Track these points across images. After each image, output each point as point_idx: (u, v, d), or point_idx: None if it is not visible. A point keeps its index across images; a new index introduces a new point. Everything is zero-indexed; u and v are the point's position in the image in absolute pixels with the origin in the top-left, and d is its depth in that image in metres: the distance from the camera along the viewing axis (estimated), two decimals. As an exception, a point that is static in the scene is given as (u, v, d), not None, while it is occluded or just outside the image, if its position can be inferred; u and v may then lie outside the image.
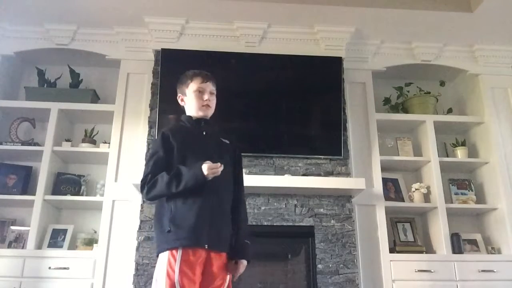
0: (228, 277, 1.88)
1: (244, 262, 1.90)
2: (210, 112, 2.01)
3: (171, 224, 1.80)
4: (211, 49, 3.44)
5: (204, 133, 1.97)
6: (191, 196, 1.83)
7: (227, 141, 2.03)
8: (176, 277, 1.71)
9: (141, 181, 1.89)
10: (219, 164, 1.79)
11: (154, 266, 2.82)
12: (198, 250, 1.78)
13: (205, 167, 1.78)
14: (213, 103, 2.01)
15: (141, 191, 1.90)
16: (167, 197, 1.85)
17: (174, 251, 1.76)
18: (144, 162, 3.15)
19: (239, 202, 1.99)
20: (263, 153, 3.27)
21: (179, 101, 2.06)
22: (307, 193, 3.16)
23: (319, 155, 3.31)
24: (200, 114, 1.98)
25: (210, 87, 2.00)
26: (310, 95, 3.44)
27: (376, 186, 3.35)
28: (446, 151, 3.80)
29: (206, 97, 1.98)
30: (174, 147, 1.90)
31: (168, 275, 1.73)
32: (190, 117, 2.02)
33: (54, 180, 3.34)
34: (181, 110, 2.10)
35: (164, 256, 1.77)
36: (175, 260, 1.74)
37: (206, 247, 1.79)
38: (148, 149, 3.19)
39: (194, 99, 1.98)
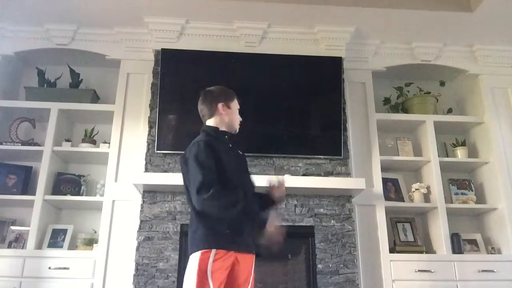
0: (252, 275, 1.95)
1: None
2: None
3: (228, 227, 1.87)
4: (211, 49, 3.44)
5: (230, 145, 2.09)
6: (245, 206, 1.92)
7: (240, 153, 2.15)
8: (209, 274, 1.77)
9: (201, 185, 1.83)
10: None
11: (154, 266, 2.88)
12: (231, 254, 1.85)
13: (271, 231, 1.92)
14: None
15: (199, 194, 1.82)
16: None
17: (213, 251, 1.81)
18: (144, 162, 3.17)
19: None
20: (263, 153, 3.26)
21: (219, 108, 2.06)
22: (307, 193, 3.16)
23: (319, 155, 3.31)
24: (235, 128, 2.12)
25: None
26: (310, 95, 3.44)
27: (376, 186, 3.35)
28: (446, 151, 3.80)
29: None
30: (222, 159, 1.94)
31: (208, 272, 1.79)
32: (217, 128, 2.07)
33: (54, 180, 3.34)
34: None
35: (206, 254, 1.81)
36: (217, 260, 1.80)
37: (254, 253, 1.94)
38: (148, 149, 3.20)
39: (237, 115, 2.13)
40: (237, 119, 2.13)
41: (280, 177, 2.10)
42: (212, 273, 1.78)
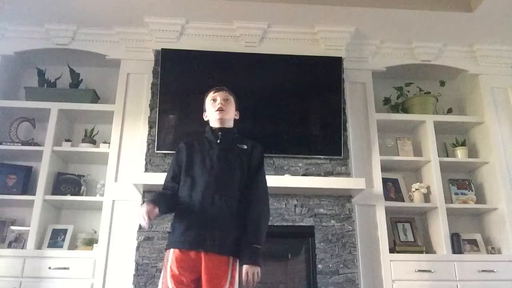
0: (228, 280, 1.85)
1: (246, 267, 1.84)
2: (226, 115, 2.09)
3: (172, 226, 1.97)
4: (211, 49, 3.44)
5: (218, 142, 2.05)
6: (190, 201, 1.93)
7: (245, 146, 2.08)
8: (168, 274, 1.85)
9: None
10: (145, 215, 1.80)
11: (154, 266, 2.89)
12: (192, 252, 1.85)
13: (140, 214, 1.83)
14: (228, 107, 2.11)
15: None
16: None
17: (170, 251, 1.90)
18: (144, 162, 3.18)
19: (250, 204, 1.97)
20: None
21: (204, 118, 2.18)
22: (307, 193, 3.16)
23: (319, 155, 3.31)
24: (216, 117, 2.08)
25: (223, 95, 2.12)
26: (310, 95, 3.44)
27: (376, 186, 3.35)
28: (446, 151, 3.80)
29: (218, 101, 2.09)
30: (184, 158, 2.05)
31: (165, 270, 1.89)
32: (210, 127, 2.12)
33: (54, 180, 3.34)
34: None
35: (165, 254, 1.93)
36: (169, 259, 1.88)
37: (202, 250, 1.84)
38: (148, 149, 3.21)
39: (210, 107, 2.11)
40: (211, 113, 2.10)
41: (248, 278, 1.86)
42: (167, 271, 1.86)
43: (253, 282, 1.83)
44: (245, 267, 1.85)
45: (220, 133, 2.07)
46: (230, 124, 2.12)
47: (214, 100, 2.11)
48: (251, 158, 2.06)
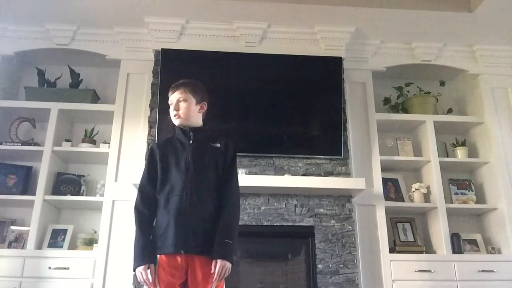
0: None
1: (218, 262, 1.80)
2: (185, 121, 2.01)
3: (154, 234, 1.92)
4: (211, 49, 3.44)
5: (190, 142, 2.00)
6: (166, 205, 1.91)
7: (218, 145, 2.02)
8: (156, 280, 1.83)
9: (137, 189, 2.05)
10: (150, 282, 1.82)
11: (154, 266, 2.87)
12: (176, 256, 1.84)
13: (140, 274, 1.83)
14: (185, 110, 2.01)
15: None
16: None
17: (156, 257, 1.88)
18: (144, 162, 3.18)
19: (224, 202, 1.94)
20: (263, 153, 3.27)
21: None
22: (307, 193, 3.16)
23: (319, 155, 3.31)
24: (176, 123, 2.03)
25: (177, 96, 2.03)
26: (310, 95, 3.44)
27: (376, 186, 3.35)
28: (446, 151, 3.80)
29: (172, 108, 2.02)
30: (158, 160, 2.00)
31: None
32: (180, 128, 2.06)
33: (54, 180, 3.34)
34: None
35: None
36: (156, 266, 1.86)
37: (182, 252, 1.83)
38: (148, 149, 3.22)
39: (170, 112, 2.05)
40: (170, 115, 2.04)
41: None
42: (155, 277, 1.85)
43: (222, 277, 1.81)
44: (218, 262, 1.80)
45: (191, 133, 2.01)
46: (197, 121, 2.04)
47: (171, 104, 2.03)
48: (225, 156, 2.01)
